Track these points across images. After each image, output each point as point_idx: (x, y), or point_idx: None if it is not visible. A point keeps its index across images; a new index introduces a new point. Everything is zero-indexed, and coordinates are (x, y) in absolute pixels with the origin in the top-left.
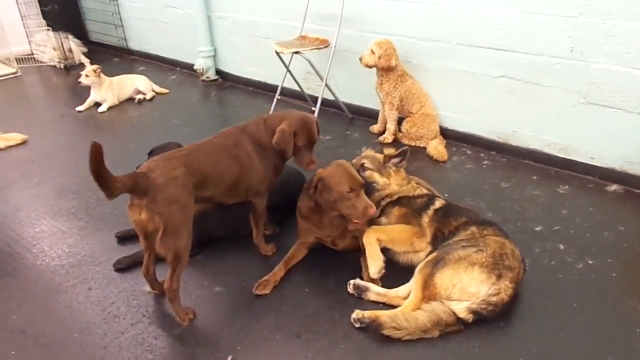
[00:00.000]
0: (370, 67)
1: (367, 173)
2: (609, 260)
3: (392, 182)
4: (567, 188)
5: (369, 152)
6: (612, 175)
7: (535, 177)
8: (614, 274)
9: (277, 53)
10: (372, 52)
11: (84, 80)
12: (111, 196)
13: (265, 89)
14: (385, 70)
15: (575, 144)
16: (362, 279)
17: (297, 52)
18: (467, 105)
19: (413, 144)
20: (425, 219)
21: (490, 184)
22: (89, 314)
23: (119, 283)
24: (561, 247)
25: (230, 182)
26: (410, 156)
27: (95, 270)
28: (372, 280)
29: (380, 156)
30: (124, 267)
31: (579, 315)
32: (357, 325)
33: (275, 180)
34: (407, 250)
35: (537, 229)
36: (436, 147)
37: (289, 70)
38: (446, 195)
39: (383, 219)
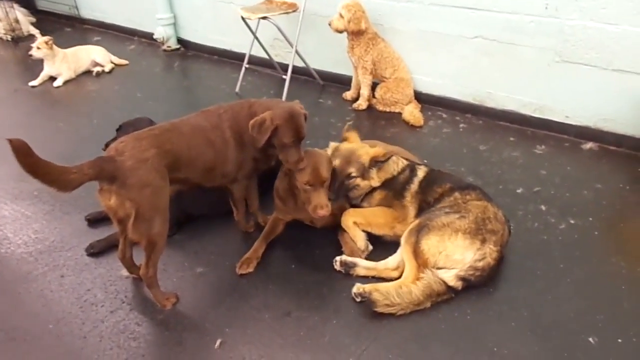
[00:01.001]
0: (340, 31)
1: (351, 181)
2: (590, 219)
3: (374, 181)
4: (543, 148)
5: (352, 147)
6: (587, 133)
7: (512, 139)
8: (596, 232)
9: (243, 19)
10: (341, 16)
11: (35, 53)
12: (67, 189)
13: (231, 58)
14: (356, 34)
15: (550, 103)
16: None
17: (264, 18)
18: (441, 68)
19: (388, 109)
20: (408, 197)
21: (469, 147)
22: (64, 303)
23: (93, 268)
24: (543, 208)
25: (204, 166)
26: (386, 122)
27: (66, 256)
28: (354, 254)
29: (366, 158)
30: (98, 251)
31: (566, 276)
32: (359, 300)
33: (257, 170)
34: (388, 234)
35: (519, 190)
36: (412, 112)
37: (256, 37)
38: (426, 161)
39: (364, 204)
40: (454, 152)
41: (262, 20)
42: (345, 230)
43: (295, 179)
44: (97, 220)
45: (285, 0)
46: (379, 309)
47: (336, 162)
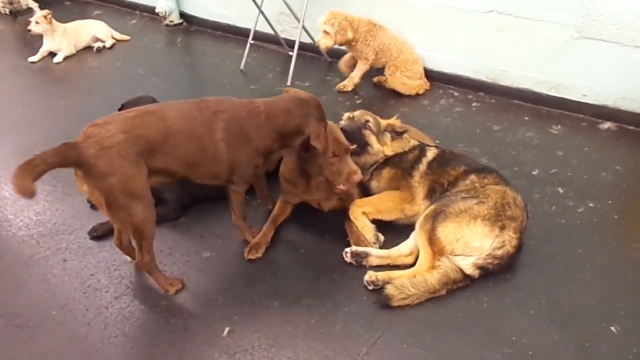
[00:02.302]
0: (331, 47)
1: (367, 133)
2: (609, 202)
3: (387, 148)
4: (559, 128)
5: (370, 114)
6: (604, 112)
7: (527, 118)
8: (616, 216)
9: None
10: (326, 33)
11: (33, 27)
12: (32, 181)
13: (235, 33)
14: (347, 43)
15: (567, 81)
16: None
17: None
18: (453, 45)
19: (397, 88)
20: (417, 177)
21: (482, 127)
22: (67, 288)
23: (97, 252)
24: (560, 190)
25: (186, 159)
26: (396, 101)
27: (68, 239)
28: (361, 244)
29: (384, 122)
30: (101, 234)
31: (586, 262)
32: (371, 288)
33: (256, 175)
34: (399, 217)
35: (534, 172)
36: (399, 79)
37: (261, 12)
38: (438, 141)
39: (373, 182)
40: (467, 131)
41: None
42: (351, 220)
43: (310, 161)
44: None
45: None
46: (395, 304)
47: (355, 114)
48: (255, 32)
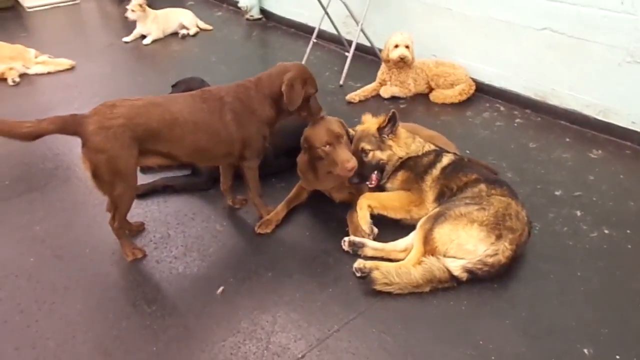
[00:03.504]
0: (406, 62)
1: (370, 155)
2: (628, 231)
3: (396, 149)
4: (600, 153)
5: (363, 126)
6: None
7: (568, 140)
8: (630, 246)
9: None
10: (408, 47)
11: (129, 15)
12: (27, 139)
13: (306, 32)
14: (409, 65)
15: (616, 106)
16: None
17: None
18: (505, 59)
19: (440, 102)
20: (429, 181)
21: (518, 143)
22: (104, 233)
23: (134, 207)
24: (578, 213)
25: (194, 146)
26: (439, 110)
27: None
28: (358, 234)
29: (374, 130)
30: (142, 193)
31: (580, 284)
32: (358, 275)
33: (263, 148)
34: (405, 217)
35: (557, 193)
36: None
37: (326, 13)
38: (468, 152)
39: (388, 184)
40: (501, 146)
41: None
42: (354, 211)
43: (315, 152)
44: (149, 168)
45: None
46: (378, 287)
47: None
48: (322, 31)
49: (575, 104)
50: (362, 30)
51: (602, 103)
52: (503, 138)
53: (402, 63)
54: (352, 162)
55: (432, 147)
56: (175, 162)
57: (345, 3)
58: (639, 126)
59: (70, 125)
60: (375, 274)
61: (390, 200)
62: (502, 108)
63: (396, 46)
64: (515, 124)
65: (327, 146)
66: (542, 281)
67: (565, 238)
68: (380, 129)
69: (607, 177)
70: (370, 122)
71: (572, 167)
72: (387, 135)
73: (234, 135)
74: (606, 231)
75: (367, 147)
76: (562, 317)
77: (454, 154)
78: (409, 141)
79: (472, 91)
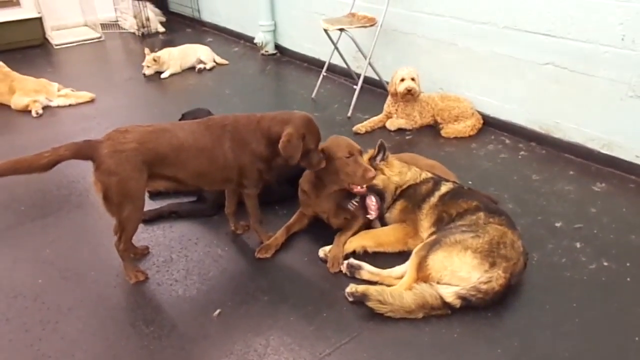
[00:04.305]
0: (413, 95)
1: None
2: (628, 264)
3: (391, 176)
4: (603, 186)
5: None
6: None
7: (571, 172)
8: (629, 279)
9: (325, 30)
10: (413, 80)
11: (146, 71)
12: (45, 169)
13: (318, 66)
14: (415, 98)
15: (620, 140)
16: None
17: (342, 30)
18: (510, 93)
19: (452, 136)
20: (425, 210)
21: (521, 175)
22: (110, 256)
23: (140, 232)
24: (578, 245)
25: (196, 171)
26: (445, 141)
27: None
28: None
29: (366, 160)
30: (148, 219)
31: (575, 316)
32: (351, 300)
33: (263, 180)
34: (402, 249)
35: (557, 224)
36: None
37: (336, 48)
38: (470, 182)
39: (387, 214)
40: (503, 177)
41: (346, 33)
42: (341, 235)
43: (327, 167)
44: (157, 194)
45: (366, 15)
46: (370, 304)
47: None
48: (333, 66)
49: (579, 137)
50: (369, 64)
51: (606, 137)
52: (506, 170)
53: (410, 95)
54: (373, 172)
55: (430, 175)
56: (181, 185)
57: (353, 38)
58: None
59: (84, 150)
60: (370, 291)
61: (385, 236)
62: (507, 141)
63: (402, 80)
64: (520, 156)
65: (350, 157)
66: (537, 311)
67: (563, 269)
68: (371, 159)
69: (609, 210)
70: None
71: (574, 200)
72: (379, 162)
73: (231, 162)
74: (605, 263)
75: None
76: (555, 348)
77: (454, 182)
78: (404, 170)
79: (480, 125)
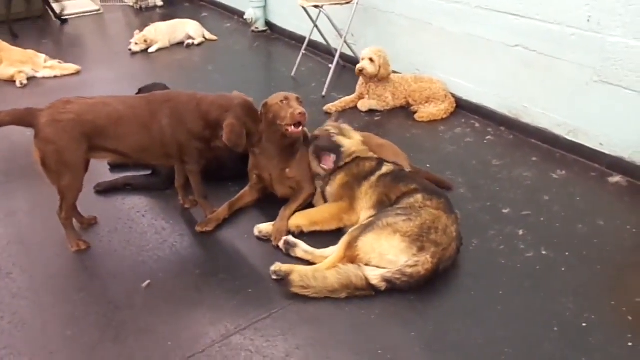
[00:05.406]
0: (372, 77)
1: (335, 138)
2: (567, 253)
3: (353, 141)
4: (563, 174)
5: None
6: (619, 165)
7: (534, 159)
8: (564, 269)
9: (303, 7)
10: (372, 61)
11: (133, 47)
12: None
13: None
14: (381, 80)
15: (585, 126)
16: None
17: (317, 6)
18: (482, 75)
19: (427, 119)
20: (364, 188)
21: (481, 160)
22: (60, 226)
23: (90, 202)
24: (520, 232)
25: (136, 145)
26: (413, 123)
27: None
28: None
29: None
30: (102, 190)
31: (499, 303)
32: (274, 277)
33: (203, 157)
34: (339, 226)
35: (505, 211)
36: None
37: (315, 25)
38: (428, 165)
39: (327, 188)
40: (463, 162)
41: (331, 10)
42: (286, 209)
43: (268, 119)
44: (117, 166)
45: None
46: (294, 290)
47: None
48: (318, 44)
49: (546, 123)
50: (345, 42)
51: (572, 122)
52: (468, 154)
53: (364, 76)
54: (302, 111)
55: (374, 156)
56: (126, 159)
57: (329, 16)
58: (607, 148)
59: (25, 117)
60: (293, 277)
61: (320, 214)
62: (477, 125)
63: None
64: (485, 141)
65: (284, 101)
66: (462, 297)
67: (498, 256)
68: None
69: (562, 199)
70: None
71: (529, 187)
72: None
73: (169, 138)
74: (544, 252)
75: (332, 130)
76: (469, 334)
77: (394, 163)
78: (361, 144)
79: (453, 108)
